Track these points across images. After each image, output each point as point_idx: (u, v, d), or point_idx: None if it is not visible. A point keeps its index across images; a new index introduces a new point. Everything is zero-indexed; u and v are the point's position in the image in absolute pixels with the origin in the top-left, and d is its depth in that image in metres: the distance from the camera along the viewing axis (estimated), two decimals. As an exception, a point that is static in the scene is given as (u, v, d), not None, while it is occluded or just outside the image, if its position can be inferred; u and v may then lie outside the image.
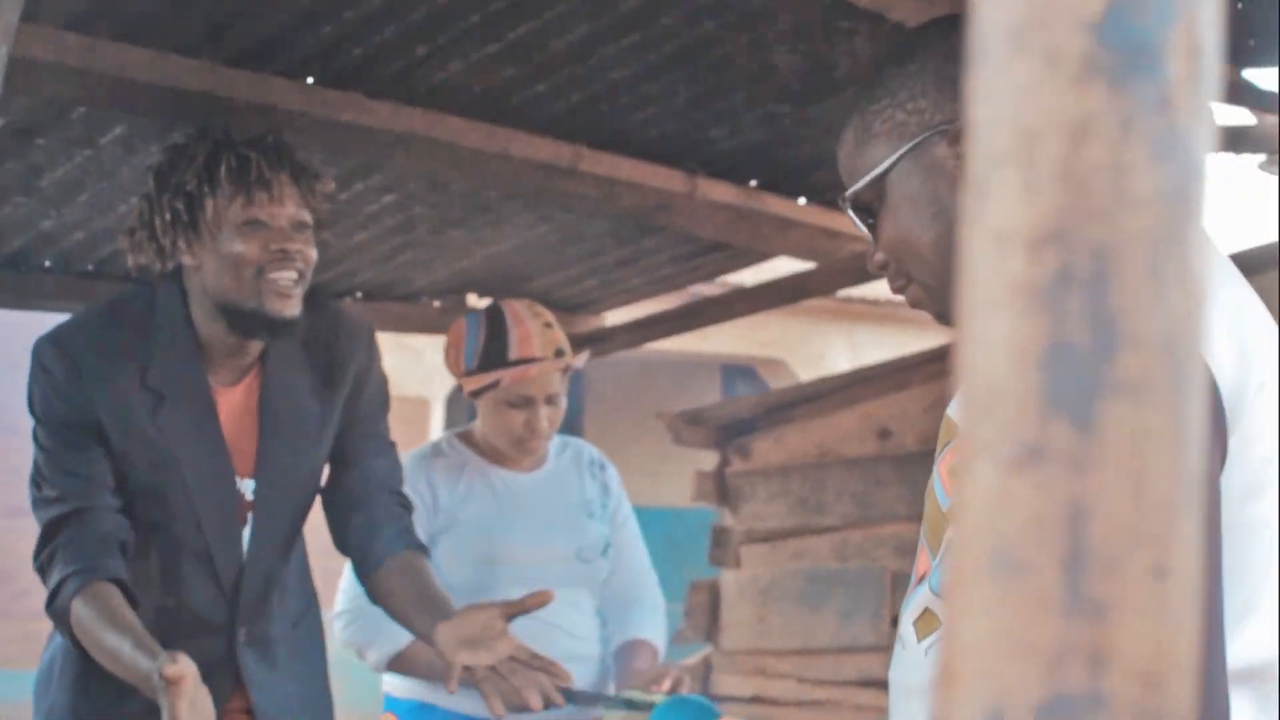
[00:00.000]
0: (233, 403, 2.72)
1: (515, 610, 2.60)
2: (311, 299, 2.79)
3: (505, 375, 3.13)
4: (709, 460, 5.52)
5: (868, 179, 1.54)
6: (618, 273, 5.02)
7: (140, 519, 2.65)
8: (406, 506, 2.94)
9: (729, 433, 5.43)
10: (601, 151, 3.83)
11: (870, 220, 1.56)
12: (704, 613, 5.40)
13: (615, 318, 5.41)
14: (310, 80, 3.30)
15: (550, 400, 3.20)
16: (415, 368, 9.95)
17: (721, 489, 5.43)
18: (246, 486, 2.72)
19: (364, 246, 4.47)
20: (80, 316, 2.71)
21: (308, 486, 2.84)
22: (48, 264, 4.29)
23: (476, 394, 3.23)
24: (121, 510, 2.62)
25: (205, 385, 2.67)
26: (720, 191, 4.08)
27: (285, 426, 2.74)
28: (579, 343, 5.21)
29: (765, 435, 5.35)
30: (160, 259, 2.67)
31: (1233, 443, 1.26)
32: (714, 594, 5.41)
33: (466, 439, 3.37)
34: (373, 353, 2.90)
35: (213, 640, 2.71)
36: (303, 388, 2.76)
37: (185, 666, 2.23)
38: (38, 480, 2.64)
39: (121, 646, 2.41)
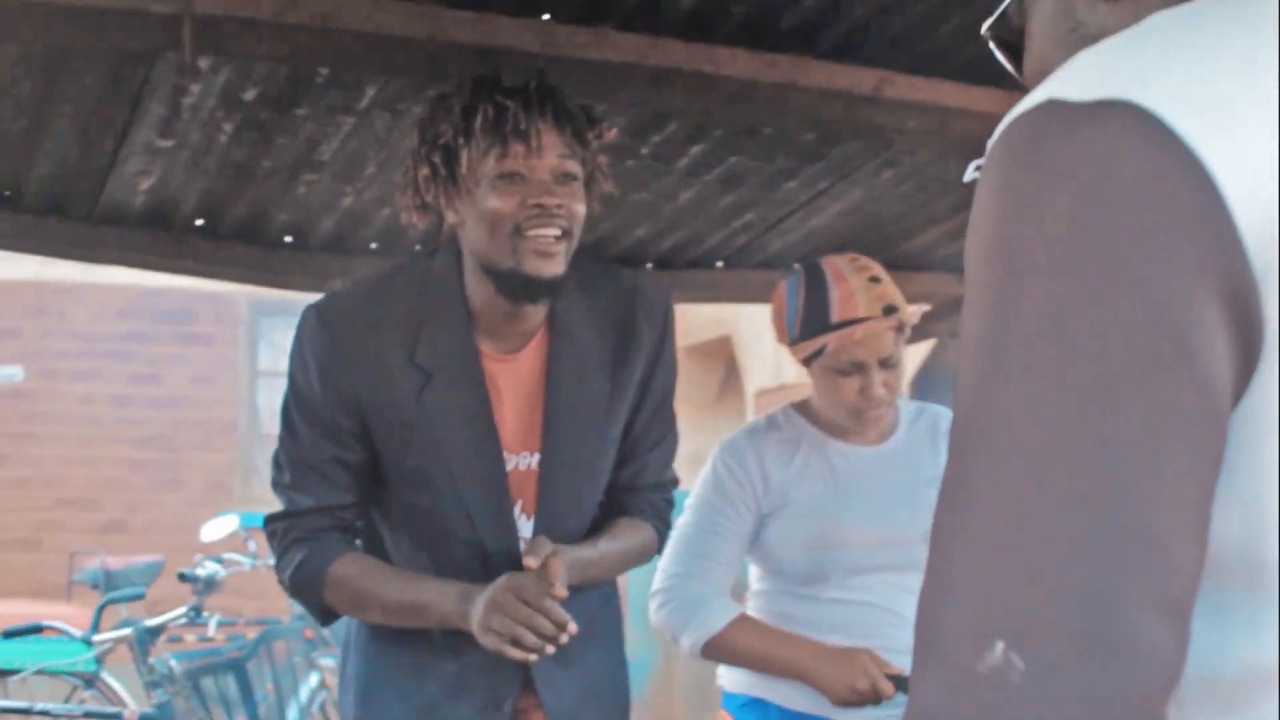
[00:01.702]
0: (515, 372, 2.56)
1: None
2: (612, 269, 2.65)
3: (829, 340, 2.85)
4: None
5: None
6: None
7: (405, 508, 2.55)
8: (670, 502, 2.76)
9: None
10: (912, 75, 3.36)
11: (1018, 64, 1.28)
12: None
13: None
14: (546, 17, 3.02)
15: (885, 363, 2.88)
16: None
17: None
18: (530, 460, 2.56)
19: (694, 208, 4.16)
20: (349, 286, 2.61)
21: (595, 469, 2.64)
22: (373, 245, 4.21)
23: (805, 363, 2.95)
24: (355, 518, 2.58)
25: (475, 359, 2.51)
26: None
27: (571, 399, 2.56)
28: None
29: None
30: (429, 216, 2.55)
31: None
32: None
33: (804, 410, 3.08)
34: (669, 330, 2.68)
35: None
36: (591, 362, 2.57)
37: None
38: (279, 462, 2.56)
39: (409, 587, 2.44)
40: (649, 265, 4.61)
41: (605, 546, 2.60)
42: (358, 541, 2.60)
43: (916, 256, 4.79)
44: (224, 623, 5.06)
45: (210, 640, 5.14)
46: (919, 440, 3.05)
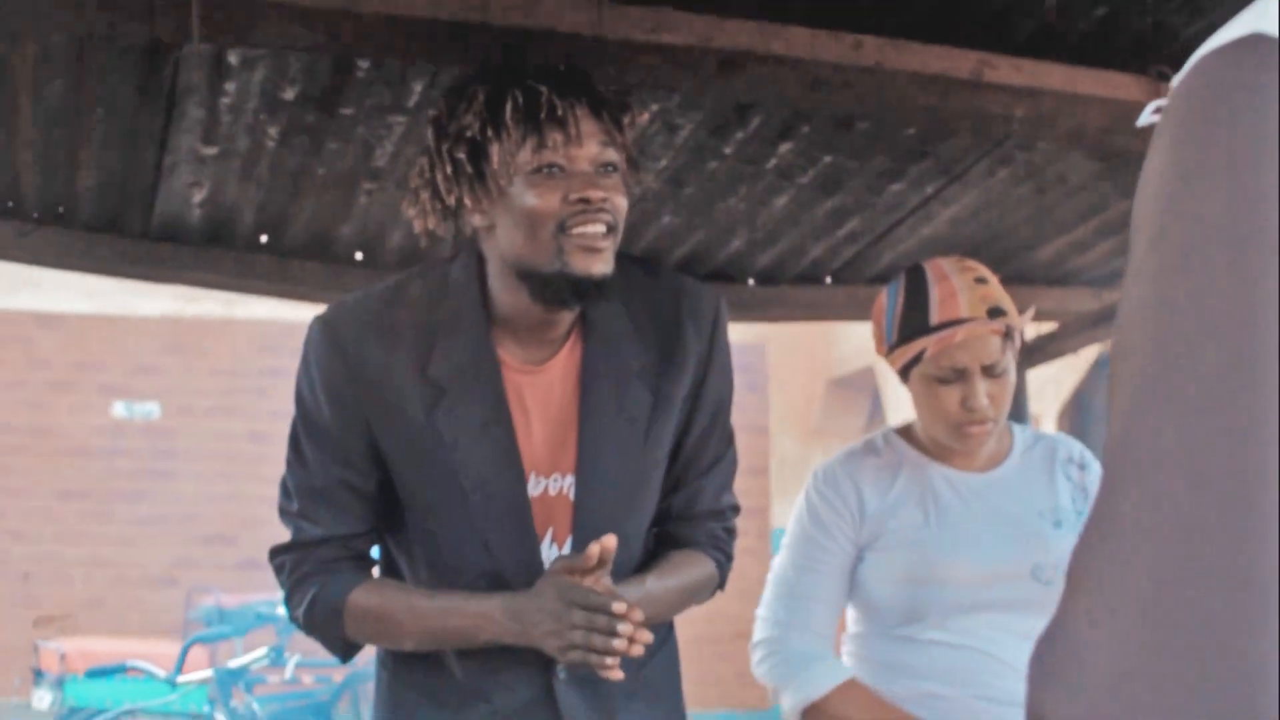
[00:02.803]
0: (544, 385, 2.36)
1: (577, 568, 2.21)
2: (651, 266, 2.46)
3: (928, 343, 2.64)
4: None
5: None
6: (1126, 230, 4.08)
7: (421, 536, 2.36)
8: (731, 531, 2.54)
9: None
10: (1016, 57, 3.01)
11: None
12: None
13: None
14: (599, -5, 2.73)
15: (990, 371, 2.65)
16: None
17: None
18: (563, 484, 2.36)
19: (791, 215, 3.85)
20: (357, 295, 2.40)
21: (638, 493, 2.41)
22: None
23: (904, 374, 2.74)
24: (368, 548, 2.40)
25: (494, 371, 2.32)
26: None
27: (608, 414, 2.35)
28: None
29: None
30: (448, 221, 2.35)
31: None
32: None
33: (907, 434, 2.87)
34: (719, 335, 2.45)
35: (523, 677, 2.35)
36: (630, 371, 2.36)
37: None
38: (286, 489, 2.37)
39: (442, 608, 2.27)
40: (750, 281, 4.30)
41: (654, 584, 2.37)
42: (374, 571, 2.41)
43: (1044, 269, 4.42)
44: (303, 664, 4.85)
45: (296, 683, 4.94)
46: (1033, 468, 2.81)
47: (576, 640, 2.12)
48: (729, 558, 2.52)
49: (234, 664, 4.56)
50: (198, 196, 3.61)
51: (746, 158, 3.46)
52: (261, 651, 4.62)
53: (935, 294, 2.65)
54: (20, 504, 10.29)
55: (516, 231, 2.23)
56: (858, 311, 4.46)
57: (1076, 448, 2.86)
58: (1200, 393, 0.64)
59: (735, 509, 2.53)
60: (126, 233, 3.77)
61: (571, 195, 2.19)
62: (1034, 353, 4.67)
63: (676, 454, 2.44)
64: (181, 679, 4.75)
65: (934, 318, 2.64)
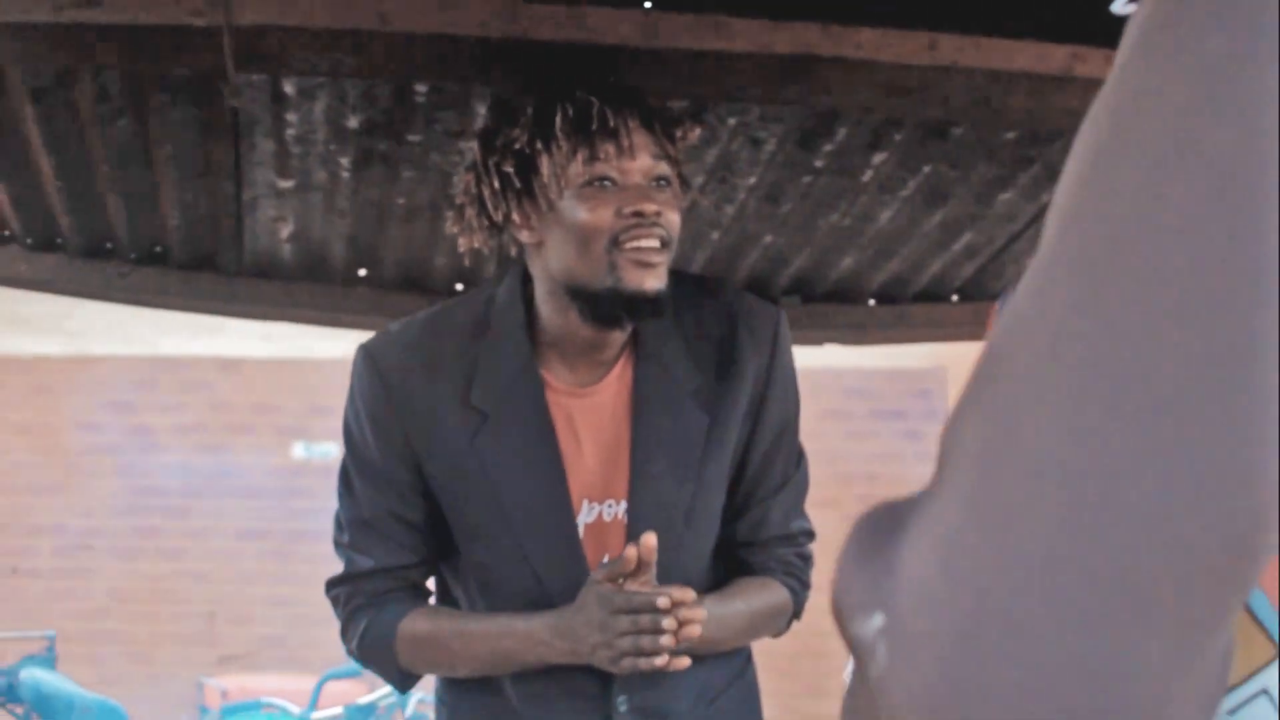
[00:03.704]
0: (595, 408, 2.31)
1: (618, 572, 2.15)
2: (705, 281, 2.41)
3: None
4: None
5: None
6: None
7: (473, 566, 2.33)
8: (805, 557, 2.43)
9: None
10: (1109, 49, 2.79)
11: None
12: None
13: None
14: (648, 4, 2.62)
15: None
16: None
17: None
18: (617, 510, 2.30)
19: (900, 230, 3.67)
20: (401, 323, 2.37)
21: (696, 518, 2.33)
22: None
23: None
24: (422, 579, 2.37)
25: (539, 395, 2.27)
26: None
27: (661, 436, 2.28)
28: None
29: None
30: (495, 239, 2.34)
31: None
32: None
33: None
34: (781, 351, 2.36)
35: (581, 710, 2.31)
36: (685, 390, 2.30)
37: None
38: (339, 521, 2.36)
39: (490, 632, 2.23)
40: (871, 301, 4.12)
41: (717, 604, 2.27)
42: (431, 601, 2.39)
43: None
44: (426, 701, 4.80)
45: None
46: None
47: (625, 647, 2.07)
48: (805, 585, 2.42)
49: (363, 701, 4.52)
50: (285, 231, 3.58)
51: (841, 170, 3.30)
52: (387, 689, 4.58)
53: None
54: (203, 545, 10.48)
55: (567, 247, 2.17)
56: (984, 330, 4.25)
57: None
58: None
59: (809, 534, 2.43)
60: (222, 270, 3.75)
61: (625, 209, 2.14)
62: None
63: (740, 477, 2.36)
64: (315, 715, 4.74)
65: None
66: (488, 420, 2.24)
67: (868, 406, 10.55)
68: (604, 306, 2.18)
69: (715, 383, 2.30)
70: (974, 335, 4.33)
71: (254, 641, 10.27)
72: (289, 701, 4.93)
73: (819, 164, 3.27)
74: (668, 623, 2.06)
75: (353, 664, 4.81)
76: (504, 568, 2.28)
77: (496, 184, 2.23)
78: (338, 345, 10.50)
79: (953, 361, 10.92)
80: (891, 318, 4.08)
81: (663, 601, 2.06)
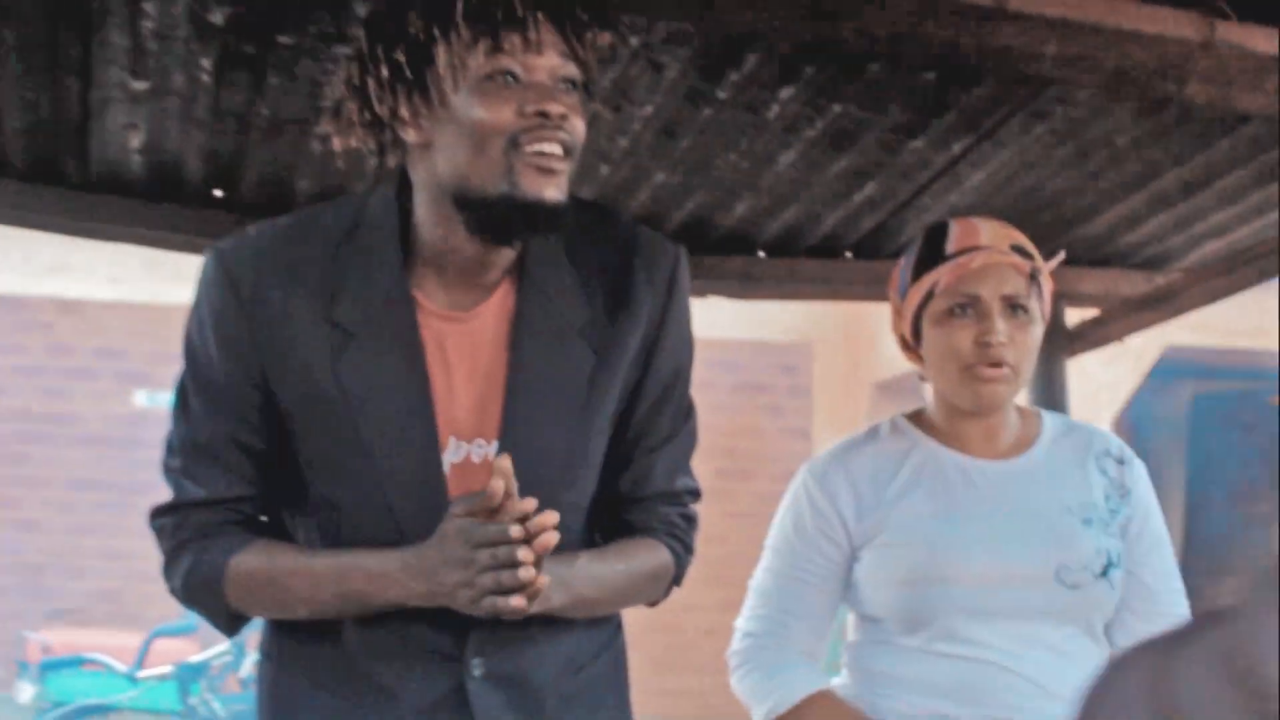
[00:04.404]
0: (470, 334, 2.13)
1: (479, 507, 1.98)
2: (600, 209, 2.23)
3: (941, 273, 2.46)
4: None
5: None
6: (1188, 201, 3.69)
7: (320, 506, 2.14)
8: (689, 518, 2.28)
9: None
10: (1045, -16, 2.63)
11: None
12: None
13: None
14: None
15: (1011, 305, 2.44)
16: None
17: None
18: (487, 450, 2.13)
19: (800, 176, 3.49)
20: (259, 227, 2.18)
21: (574, 467, 2.18)
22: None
23: (915, 326, 2.52)
24: (258, 513, 2.18)
25: (411, 317, 2.10)
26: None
27: (542, 372, 2.13)
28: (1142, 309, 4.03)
29: None
30: (377, 137, 2.10)
31: None
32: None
33: (917, 419, 2.64)
34: (678, 293, 2.21)
35: (432, 672, 2.13)
36: (572, 325, 2.13)
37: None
38: (170, 444, 2.15)
39: (335, 570, 2.05)
40: (760, 253, 3.93)
41: (591, 563, 2.13)
42: None
43: (1089, 247, 4.02)
44: None
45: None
46: (1063, 459, 2.58)
47: (488, 585, 1.91)
48: (688, 549, 2.26)
49: (195, 659, 4.25)
50: (135, 141, 3.30)
51: (745, 104, 3.09)
52: (223, 646, 4.33)
53: (955, 229, 2.46)
54: (36, 494, 10.19)
55: (459, 148, 2.00)
56: (879, 291, 4.07)
57: (1116, 442, 2.60)
58: None
59: (694, 493, 2.27)
60: (64, 182, 3.45)
61: (528, 108, 1.97)
62: (1075, 340, 4.27)
63: (624, 426, 2.19)
64: (142, 674, 4.47)
65: (951, 248, 2.45)
66: (351, 340, 2.07)
67: (731, 379, 10.48)
68: (496, 216, 2.01)
69: (605, 320, 2.14)
70: (866, 295, 4.17)
71: (86, 596, 10.00)
72: (116, 658, 4.63)
73: (722, 95, 3.07)
74: (523, 553, 1.90)
75: (184, 620, 4.55)
76: (356, 507, 2.10)
77: (385, 73, 2.03)
78: (186, 292, 10.17)
79: (820, 336, 10.84)
80: (783, 272, 3.89)
81: (515, 531, 1.90)
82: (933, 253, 2.47)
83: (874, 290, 4.10)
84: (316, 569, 2.07)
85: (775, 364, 10.88)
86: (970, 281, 2.42)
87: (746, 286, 3.92)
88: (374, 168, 3.39)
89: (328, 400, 2.06)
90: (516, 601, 1.90)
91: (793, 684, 2.45)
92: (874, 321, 10.68)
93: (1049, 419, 2.59)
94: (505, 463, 1.92)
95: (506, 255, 2.07)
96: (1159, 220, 3.88)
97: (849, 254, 4.02)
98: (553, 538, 1.91)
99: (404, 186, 2.10)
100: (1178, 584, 2.59)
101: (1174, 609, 2.56)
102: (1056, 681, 2.43)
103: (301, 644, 2.14)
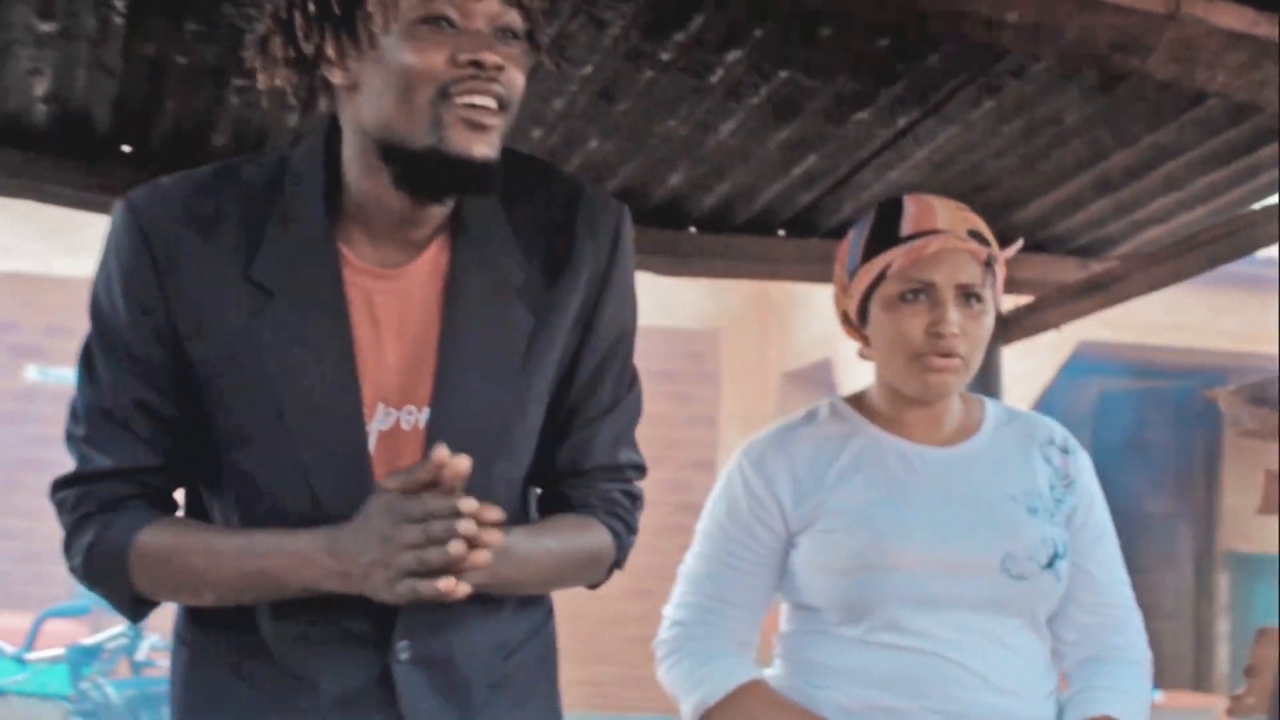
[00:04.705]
0: (400, 294, 2.00)
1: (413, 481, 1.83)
2: (539, 164, 2.07)
3: (895, 255, 2.35)
4: (1287, 457, 4.32)
5: None
6: (1132, 185, 3.61)
7: (235, 477, 1.99)
8: (633, 495, 2.16)
9: (1314, 415, 4.16)
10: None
11: None
12: (1274, 672, 4.06)
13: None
14: None
15: (965, 295, 2.35)
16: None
17: (1305, 497, 4.19)
18: (418, 418, 1.99)
19: (740, 145, 3.37)
20: (174, 178, 2.01)
21: (510, 436, 2.04)
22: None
23: (863, 308, 2.41)
24: (167, 486, 2.02)
25: (335, 274, 1.96)
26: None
27: (477, 335, 1.99)
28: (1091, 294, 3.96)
29: (1371, 416, 4.00)
30: (302, 77, 1.96)
31: None
32: (1292, 647, 4.51)
33: (858, 402, 2.54)
34: (621, 252, 2.08)
35: (353, 659, 2.01)
36: (510, 284, 2.01)
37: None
38: (74, 410, 1.99)
39: (250, 550, 1.90)
40: (691, 229, 3.81)
41: (524, 540, 1.99)
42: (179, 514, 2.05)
43: (1027, 230, 3.93)
44: (161, 646, 4.39)
45: (152, 666, 4.47)
46: (1007, 446, 2.50)
47: (407, 564, 1.76)
48: (630, 529, 2.14)
49: (87, 642, 4.07)
50: (40, 88, 3.11)
51: (688, 67, 2.96)
52: (117, 629, 4.15)
53: (911, 208, 2.35)
54: (-79, 470, 9.96)
55: (385, 95, 1.87)
56: (812, 271, 3.97)
57: (1060, 431, 2.54)
58: None
59: (639, 468, 2.15)
60: (-38, 133, 3.26)
61: (461, 56, 1.84)
62: (1009, 327, 4.20)
63: (564, 394, 2.07)
64: (31, 656, 4.27)
65: (906, 229, 2.34)
66: (272, 299, 1.94)
67: (637, 366, 10.40)
68: (421, 171, 1.88)
69: (544, 280, 2.01)
70: (799, 275, 4.07)
71: (-30, 576, 9.77)
72: (4, 640, 4.44)
73: (665, 57, 2.94)
74: (462, 525, 1.75)
75: (75, 601, 4.37)
76: (274, 481, 1.96)
77: (312, 8, 1.90)
78: (83, 264, 9.94)
79: (728, 322, 10.77)
80: (715, 248, 3.77)
81: (465, 504, 1.75)
82: (886, 232, 2.37)
83: (807, 269, 4.00)
84: (225, 548, 1.93)
85: (682, 351, 10.82)
86: (925, 267, 2.33)
87: (674, 263, 3.80)
88: (295, 125, 3.24)
89: (244, 363, 1.93)
90: (444, 584, 1.76)
91: (724, 673, 2.36)
92: (784, 309, 10.64)
93: (991, 406, 2.53)
94: (444, 451, 1.79)
95: (438, 211, 1.95)
96: (1100, 205, 3.81)
97: (782, 231, 3.90)
98: (484, 556, 1.79)
99: (336, 134, 1.96)
100: (1122, 574, 2.54)
101: (1119, 600, 2.51)
102: (999, 674, 2.36)
103: (217, 629, 2.01)
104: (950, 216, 2.36)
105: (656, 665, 2.48)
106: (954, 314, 2.31)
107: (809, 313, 10.07)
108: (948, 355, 2.32)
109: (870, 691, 2.31)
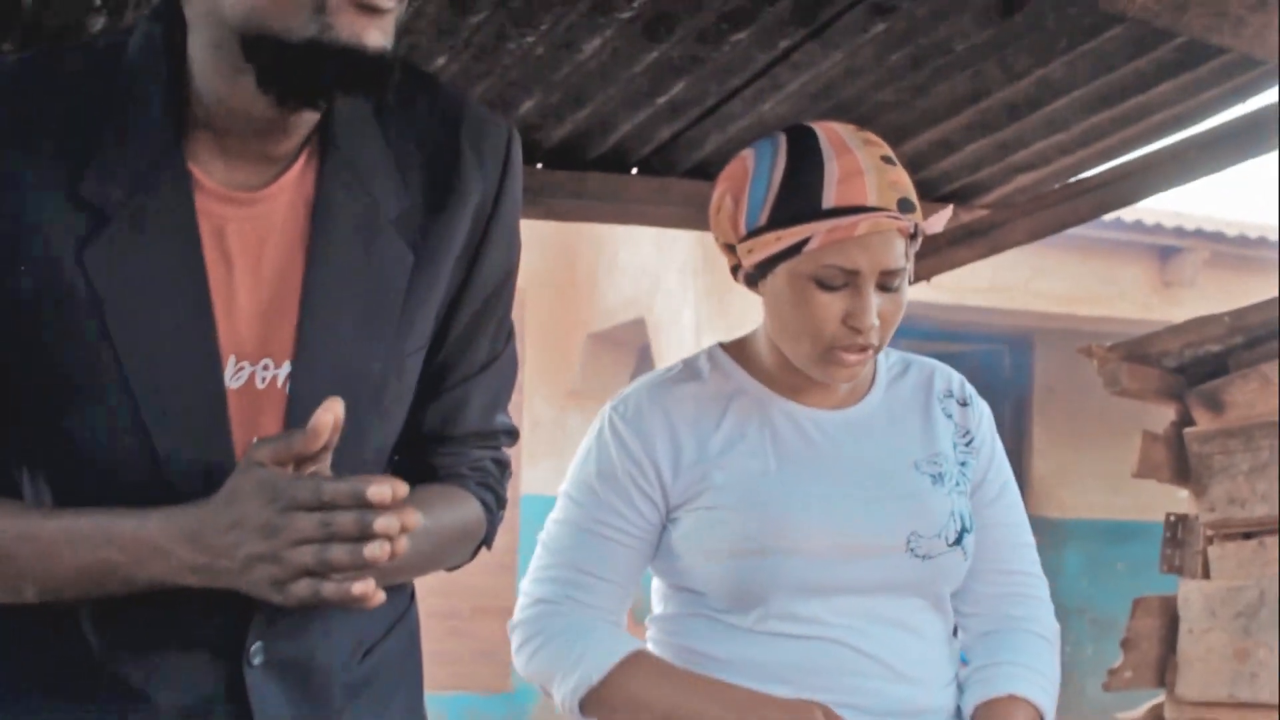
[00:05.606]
0: (257, 220, 1.76)
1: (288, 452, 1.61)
2: (417, 73, 1.81)
3: (816, 230, 2.11)
4: (1162, 417, 4.16)
5: None
6: (1014, 125, 3.41)
7: (53, 438, 1.74)
8: (503, 464, 1.95)
9: (1192, 374, 3.99)
10: None
11: None
12: (1152, 645, 4.05)
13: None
14: None
15: (887, 280, 2.15)
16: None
17: (1179, 459, 4.05)
18: (277, 373, 1.76)
19: (601, 66, 3.09)
20: None
21: (385, 393, 1.82)
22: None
23: (763, 268, 2.20)
24: None
25: (185, 198, 1.72)
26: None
27: (347, 273, 1.76)
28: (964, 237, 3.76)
29: (1247, 377, 3.86)
30: None
31: None
32: (1168, 617, 4.19)
33: (739, 354, 2.33)
34: (513, 177, 1.85)
35: (198, 664, 1.78)
36: (386, 214, 1.77)
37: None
38: None
39: (69, 524, 1.66)
40: (538, 165, 3.50)
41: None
42: None
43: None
44: None
45: None
46: (902, 403, 2.36)
47: (305, 561, 1.52)
48: (501, 502, 1.94)
49: None
50: None
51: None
52: None
53: (834, 169, 2.11)
54: None
55: None
56: (667, 214, 3.70)
57: (957, 378, 2.39)
58: None
59: (511, 433, 1.95)
60: None
61: None
62: (874, 278, 4.03)
63: (438, 346, 1.85)
64: None
65: (829, 199, 2.11)
66: (107, 224, 1.69)
67: (436, 325, 10.14)
68: (298, 68, 1.62)
69: (425, 210, 1.79)
70: (651, 220, 3.79)
71: None
72: None
73: (527, -40, 2.63)
74: (383, 523, 1.51)
75: None
76: (104, 447, 1.71)
77: None
78: None
79: (532, 282, 10.48)
80: (565, 185, 3.48)
81: (377, 492, 1.51)
82: (804, 198, 2.12)
83: (662, 212, 3.75)
84: (49, 534, 1.69)
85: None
86: (850, 251, 2.11)
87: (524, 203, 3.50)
88: (99, 28, 2.83)
89: (68, 299, 1.67)
90: (360, 588, 1.53)
91: (604, 648, 2.17)
92: (590, 268, 10.41)
93: (882, 356, 2.33)
94: (338, 407, 1.56)
95: (306, 120, 1.68)
96: (977, 146, 3.63)
97: (635, 170, 3.63)
98: (394, 547, 1.56)
99: (176, 23, 1.68)
100: (1027, 537, 2.40)
101: (1021, 567, 2.38)
102: (901, 659, 2.24)
103: (30, 636, 1.75)
104: (880, 183, 2.12)
105: (514, 650, 2.27)
106: (874, 302, 2.12)
107: (619, 273, 9.85)
108: (863, 349, 2.12)
109: (765, 685, 2.16)
